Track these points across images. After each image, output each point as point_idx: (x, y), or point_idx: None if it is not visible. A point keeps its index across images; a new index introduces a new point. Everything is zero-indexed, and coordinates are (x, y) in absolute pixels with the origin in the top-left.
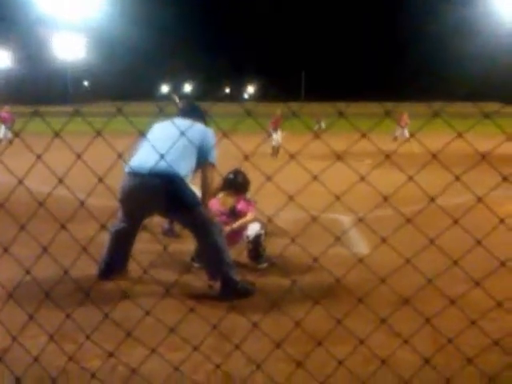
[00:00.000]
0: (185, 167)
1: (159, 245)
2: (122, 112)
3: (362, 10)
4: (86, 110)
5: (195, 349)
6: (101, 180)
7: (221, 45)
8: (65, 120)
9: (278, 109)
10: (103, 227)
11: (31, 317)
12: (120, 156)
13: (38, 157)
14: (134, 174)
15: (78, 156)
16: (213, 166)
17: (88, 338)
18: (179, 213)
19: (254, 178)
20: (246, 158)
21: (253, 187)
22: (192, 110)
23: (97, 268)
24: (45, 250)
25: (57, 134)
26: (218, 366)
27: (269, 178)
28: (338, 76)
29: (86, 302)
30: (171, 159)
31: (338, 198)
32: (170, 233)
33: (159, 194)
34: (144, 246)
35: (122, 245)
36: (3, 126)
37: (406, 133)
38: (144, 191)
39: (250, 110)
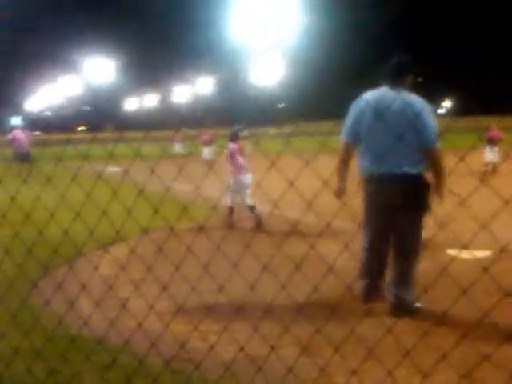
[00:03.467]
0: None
1: None
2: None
3: None
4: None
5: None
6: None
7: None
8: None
9: (493, 122)
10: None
11: (286, 329)
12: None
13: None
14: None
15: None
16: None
17: (337, 351)
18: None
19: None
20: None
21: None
22: (400, 70)
23: (360, 290)
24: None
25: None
26: None
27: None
28: None
29: (332, 317)
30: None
31: None
32: None
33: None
34: None
35: (380, 261)
36: (206, 148)
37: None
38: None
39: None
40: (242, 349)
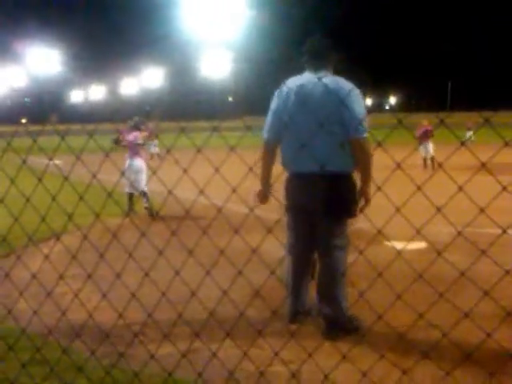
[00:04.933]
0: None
1: None
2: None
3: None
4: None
5: None
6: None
7: (361, 55)
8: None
9: (425, 119)
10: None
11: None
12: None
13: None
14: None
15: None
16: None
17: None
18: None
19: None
20: (398, 166)
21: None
22: (321, 53)
23: (287, 310)
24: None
25: (232, 149)
26: None
27: (418, 188)
28: (484, 85)
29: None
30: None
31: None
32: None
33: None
34: None
35: (304, 266)
36: (151, 143)
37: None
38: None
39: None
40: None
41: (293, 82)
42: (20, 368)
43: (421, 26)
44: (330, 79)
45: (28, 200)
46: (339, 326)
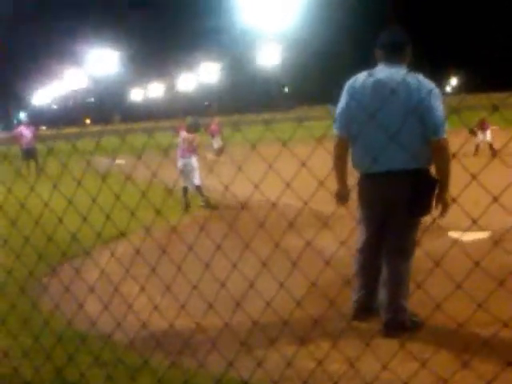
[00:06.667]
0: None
1: None
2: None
3: None
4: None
5: None
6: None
7: (417, 37)
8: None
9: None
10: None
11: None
12: None
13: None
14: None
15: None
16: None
17: None
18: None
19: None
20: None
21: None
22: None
23: (353, 306)
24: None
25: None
26: None
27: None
28: None
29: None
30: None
31: None
32: None
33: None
34: None
35: (375, 265)
36: (214, 139)
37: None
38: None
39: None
40: (242, 343)
41: (367, 77)
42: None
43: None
44: (411, 76)
45: (94, 201)
46: (400, 327)
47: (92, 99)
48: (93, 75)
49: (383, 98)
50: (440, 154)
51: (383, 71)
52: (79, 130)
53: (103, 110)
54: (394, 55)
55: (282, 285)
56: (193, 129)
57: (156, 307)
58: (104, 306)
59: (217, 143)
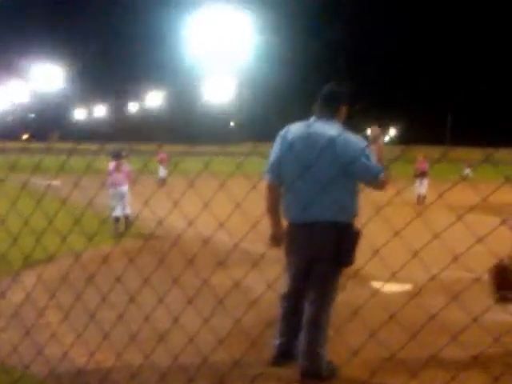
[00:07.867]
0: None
1: None
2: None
3: None
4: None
5: None
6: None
7: (360, 84)
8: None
9: (420, 154)
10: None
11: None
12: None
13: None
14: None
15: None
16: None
17: None
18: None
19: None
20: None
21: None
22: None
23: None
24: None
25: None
26: None
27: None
28: (487, 119)
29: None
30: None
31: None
32: None
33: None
34: None
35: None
36: (161, 167)
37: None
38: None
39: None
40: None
41: (299, 129)
42: None
43: (420, 57)
44: (343, 136)
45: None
46: (316, 375)
47: (33, 115)
48: (36, 90)
49: (314, 151)
50: (377, 188)
51: (316, 124)
52: (15, 145)
53: (42, 127)
54: (325, 108)
55: (206, 321)
56: (115, 157)
57: (79, 336)
58: (25, 333)
59: (162, 172)
